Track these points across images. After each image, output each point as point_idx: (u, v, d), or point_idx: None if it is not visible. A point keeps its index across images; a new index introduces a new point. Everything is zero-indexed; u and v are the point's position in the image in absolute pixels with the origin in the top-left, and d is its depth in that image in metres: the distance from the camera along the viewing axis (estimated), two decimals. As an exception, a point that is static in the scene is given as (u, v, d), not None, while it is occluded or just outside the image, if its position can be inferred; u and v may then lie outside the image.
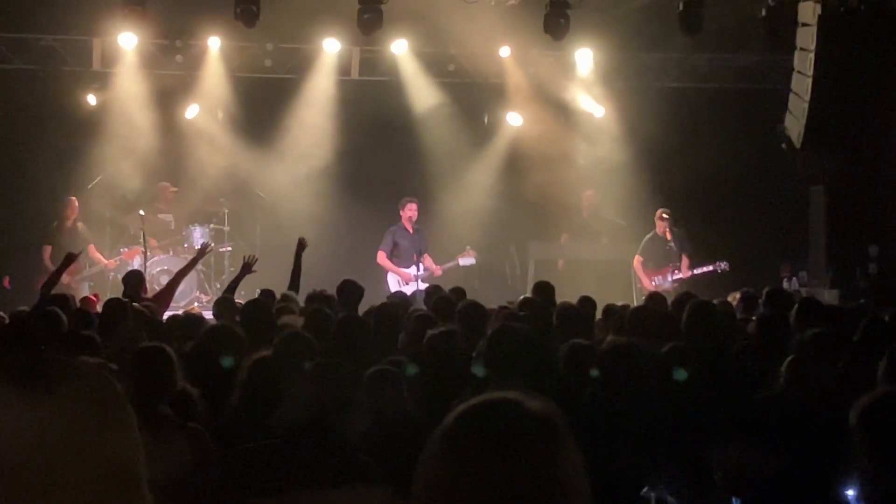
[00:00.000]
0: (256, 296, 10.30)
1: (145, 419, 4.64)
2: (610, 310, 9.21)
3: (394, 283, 14.88)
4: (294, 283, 10.64)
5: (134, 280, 10.82)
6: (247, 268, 11.06)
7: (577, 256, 16.77)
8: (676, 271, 15.26)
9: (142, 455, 1.60)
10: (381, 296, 11.99)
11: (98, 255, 15.60)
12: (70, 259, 10.62)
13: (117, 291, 11.55)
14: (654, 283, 15.19)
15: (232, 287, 10.87)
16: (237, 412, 5.23)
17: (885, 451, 3.70)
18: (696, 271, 15.18)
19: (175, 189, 16.56)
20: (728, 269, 15.02)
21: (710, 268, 15.09)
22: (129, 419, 1.61)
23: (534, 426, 1.85)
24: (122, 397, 1.61)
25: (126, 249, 15.83)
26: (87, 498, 1.51)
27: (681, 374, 6.25)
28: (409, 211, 15.28)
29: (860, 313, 8.42)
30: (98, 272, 15.64)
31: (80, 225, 15.52)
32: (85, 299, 11.77)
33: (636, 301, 14.05)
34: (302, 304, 9.58)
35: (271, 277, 12.30)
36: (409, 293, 13.37)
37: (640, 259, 15.55)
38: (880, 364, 4.79)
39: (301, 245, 11.09)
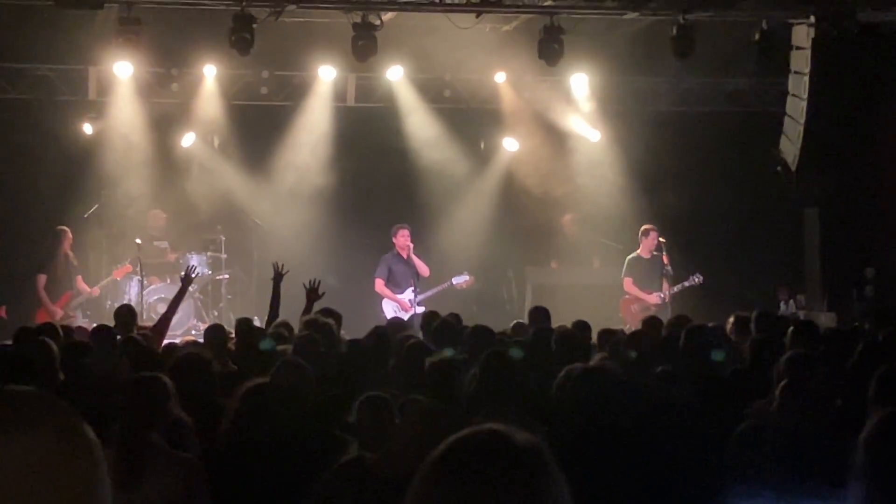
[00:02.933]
0: (234, 324, 10.21)
1: (138, 449, 4.64)
2: (605, 334, 9.19)
3: (390, 311, 14.84)
4: (273, 313, 10.28)
5: (125, 313, 10.48)
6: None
7: (569, 282, 16.69)
8: (665, 290, 15.18)
9: (107, 492, 1.58)
10: (378, 322, 11.87)
11: (84, 286, 15.49)
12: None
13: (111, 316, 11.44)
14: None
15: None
16: (229, 439, 5.21)
17: (888, 476, 3.57)
18: (675, 289, 15.11)
19: (165, 215, 16.56)
20: (702, 281, 15.02)
21: (696, 280, 15.07)
22: (93, 456, 1.59)
23: (521, 459, 1.84)
24: (86, 434, 1.60)
25: (116, 268, 15.80)
26: None
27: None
28: (401, 238, 15.21)
29: (857, 336, 8.41)
30: (88, 300, 15.58)
31: (70, 254, 15.46)
32: (79, 328, 11.66)
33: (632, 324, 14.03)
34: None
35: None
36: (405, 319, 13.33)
37: (631, 280, 15.37)
38: (869, 388, 4.76)
39: (278, 273, 10.60)
